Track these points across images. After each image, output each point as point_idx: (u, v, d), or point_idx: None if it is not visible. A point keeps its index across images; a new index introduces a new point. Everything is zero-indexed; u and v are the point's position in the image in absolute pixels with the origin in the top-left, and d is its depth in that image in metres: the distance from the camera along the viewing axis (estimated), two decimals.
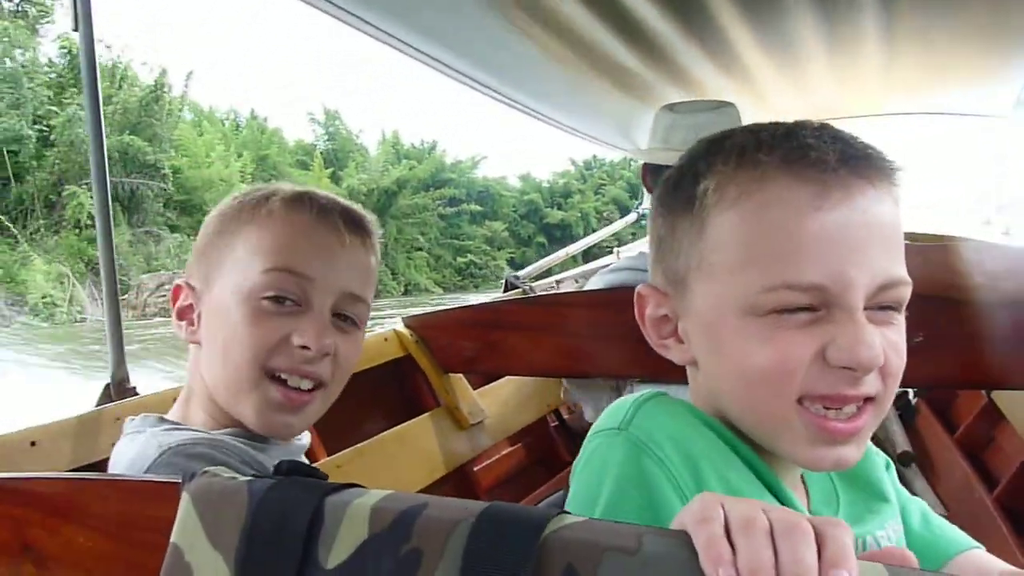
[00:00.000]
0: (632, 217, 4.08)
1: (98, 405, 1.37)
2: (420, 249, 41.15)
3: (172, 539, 0.60)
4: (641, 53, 2.36)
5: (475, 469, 2.14)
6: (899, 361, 0.64)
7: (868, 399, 0.64)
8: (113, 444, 1.23)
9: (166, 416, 0.97)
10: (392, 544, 0.51)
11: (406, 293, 37.68)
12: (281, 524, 0.55)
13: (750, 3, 2.03)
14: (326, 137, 42.71)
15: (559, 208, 57.23)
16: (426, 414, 2.02)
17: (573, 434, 2.59)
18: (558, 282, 3.10)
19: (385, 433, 1.84)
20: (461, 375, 2.16)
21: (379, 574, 0.51)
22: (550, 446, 2.51)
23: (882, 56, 2.50)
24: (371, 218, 1.02)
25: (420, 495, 0.54)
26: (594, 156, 63.95)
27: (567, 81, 2.57)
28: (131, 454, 0.89)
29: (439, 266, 42.62)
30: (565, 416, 2.60)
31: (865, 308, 0.62)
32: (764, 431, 0.67)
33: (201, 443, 0.86)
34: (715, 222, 0.66)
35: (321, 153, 41.59)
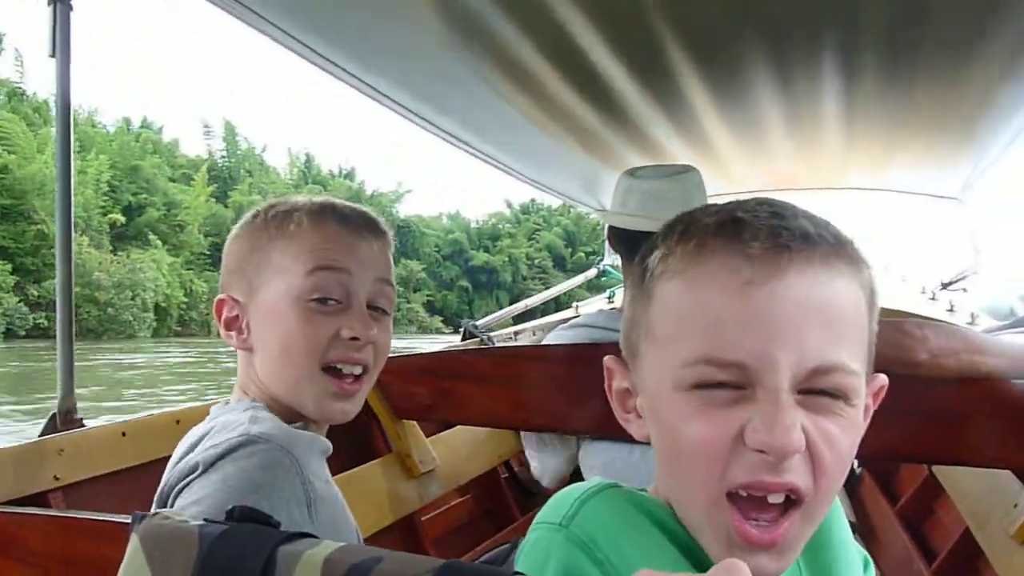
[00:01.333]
0: (592, 272, 4.12)
1: (42, 435, 1.34)
2: None
3: None
4: (605, 115, 2.43)
5: (423, 519, 2.12)
6: (832, 455, 0.60)
7: (793, 504, 0.60)
8: (55, 476, 1.21)
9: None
10: None
11: None
12: (231, 572, 0.55)
13: (715, 75, 2.11)
14: (225, 153, 40.33)
15: (486, 251, 55.55)
16: (377, 460, 2.00)
17: (523, 488, 2.58)
18: (516, 334, 3.11)
19: (336, 476, 1.81)
20: (415, 422, 2.15)
21: None
22: (499, 499, 2.50)
23: (841, 135, 2.61)
24: (383, 220, 1.15)
25: (374, 548, 0.54)
26: (532, 200, 63.23)
27: (535, 137, 2.62)
28: (224, 419, 1.00)
29: None
30: (515, 469, 2.59)
31: (799, 392, 0.60)
32: (692, 525, 0.64)
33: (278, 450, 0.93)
34: (658, 293, 0.65)
35: (209, 169, 38.97)
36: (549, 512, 0.68)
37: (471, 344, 2.76)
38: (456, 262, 54.32)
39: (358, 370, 1.05)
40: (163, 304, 37.89)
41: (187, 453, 0.96)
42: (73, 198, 1.52)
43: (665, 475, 0.67)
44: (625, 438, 1.99)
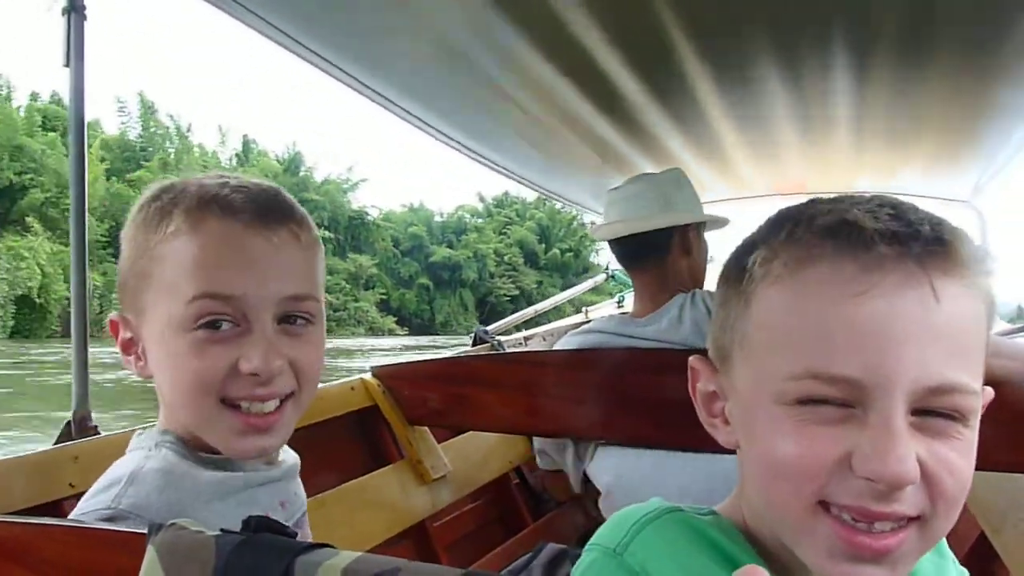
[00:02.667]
0: (601, 278, 4.13)
1: (57, 443, 1.34)
2: None
3: None
4: (618, 124, 2.43)
5: (435, 525, 2.12)
6: (952, 481, 0.56)
7: (910, 519, 0.56)
8: (71, 484, 1.21)
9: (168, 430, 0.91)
10: None
11: None
12: None
13: (726, 82, 2.11)
14: (143, 129, 34.25)
15: (449, 246, 50.83)
16: (389, 467, 2.00)
17: (534, 493, 2.58)
18: (526, 339, 3.11)
19: (346, 484, 1.82)
20: (426, 428, 2.15)
21: None
22: (511, 504, 2.49)
23: (851, 139, 2.61)
24: (294, 203, 0.93)
25: (391, 558, 0.54)
26: (506, 193, 59.18)
27: (546, 146, 2.63)
28: (120, 461, 0.88)
29: None
30: (527, 475, 2.59)
31: (913, 413, 0.55)
32: (785, 535, 0.60)
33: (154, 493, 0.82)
34: (758, 298, 0.60)
35: (123, 147, 33.07)
36: (606, 535, 0.65)
37: (482, 350, 2.76)
38: (416, 258, 50.03)
39: (270, 406, 0.86)
40: (39, 300, 32.40)
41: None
42: (87, 208, 1.53)
43: (755, 487, 0.63)
44: (635, 444, 2.00)
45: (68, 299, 1.53)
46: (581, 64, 1.94)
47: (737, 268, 0.64)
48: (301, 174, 42.21)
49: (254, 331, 0.84)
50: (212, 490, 0.86)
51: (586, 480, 2.05)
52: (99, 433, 1.41)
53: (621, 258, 2.12)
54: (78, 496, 1.24)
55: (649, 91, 2.17)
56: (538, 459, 2.12)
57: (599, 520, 2.14)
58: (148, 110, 34.20)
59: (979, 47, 1.82)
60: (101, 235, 32.95)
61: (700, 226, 2.05)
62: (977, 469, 0.58)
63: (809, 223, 0.59)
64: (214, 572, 0.56)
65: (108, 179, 31.44)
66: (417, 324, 50.86)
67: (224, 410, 0.85)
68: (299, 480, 1.03)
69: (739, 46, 1.88)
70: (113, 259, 28.90)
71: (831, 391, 0.55)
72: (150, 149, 33.59)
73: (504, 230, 56.49)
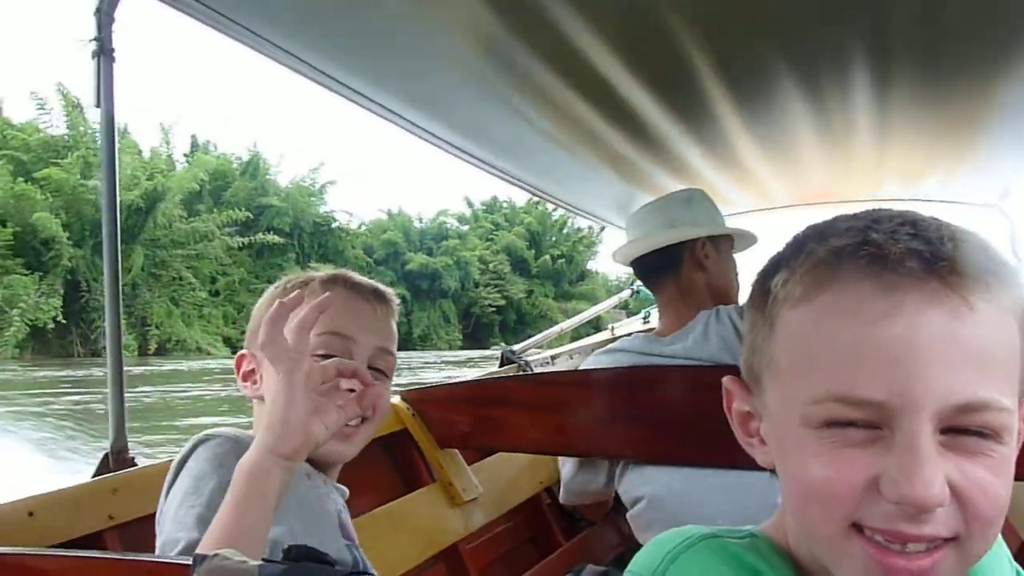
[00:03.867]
0: (626, 293, 4.12)
1: (96, 475, 1.37)
2: (193, 289, 31.23)
3: None
4: (638, 143, 2.44)
5: (468, 547, 2.12)
6: (986, 501, 0.55)
7: (946, 540, 0.55)
8: (110, 516, 1.24)
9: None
10: None
11: (156, 352, 27.75)
12: None
13: (744, 94, 2.10)
14: (69, 128, 29.74)
15: (428, 253, 46.92)
16: (420, 490, 2.01)
17: (566, 513, 2.57)
18: (553, 358, 3.12)
19: (379, 509, 1.83)
20: (456, 450, 2.16)
21: None
22: (543, 525, 2.49)
23: (874, 146, 2.59)
24: (391, 291, 1.28)
25: None
26: (494, 197, 55.19)
27: (568, 163, 2.64)
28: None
29: (241, 318, 31.03)
30: (558, 495, 2.58)
31: (943, 432, 0.55)
32: (823, 556, 0.59)
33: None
34: (782, 321, 0.60)
35: (49, 146, 28.53)
36: (642, 561, 0.65)
37: (509, 370, 2.76)
38: (392, 267, 46.40)
39: (355, 422, 1.13)
40: None
41: None
42: (119, 241, 1.56)
43: (791, 508, 0.63)
44: (665, 462, 1.99)
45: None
46: (600, 88, 1.96)
47: (762, 290, 0.64)
48: (267, 178, 38.00)
49: (355, 363, 1.13)
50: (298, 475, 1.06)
51: (617, 499, 2.04)
52: (136, 464, 1.43)
53: (640, 278, 2.19)
54: (118, 528, 1.27)
55: (668, 110, 2.18)
56: (563, 494, 2.12)
57: (632, 539, 2.14)
58: (74, 107, 29.77)
59: (1000, 50, 1.80)
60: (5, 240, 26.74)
61: (717, 241, 2.06)
62: (1017, 480, 0.58)
63: (829, 244, 0.59)
64: None
65: (14, 179, 27.08)
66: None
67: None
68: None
69: (756, 63, 1.88)
70: (27, 270, 25.86)
71: (856, 414, 0.55)
72: (75, 148, 29.12)
73: (491, 236, 52.55)
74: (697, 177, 2.80)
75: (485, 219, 54.10)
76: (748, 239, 2.18)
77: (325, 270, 1.25)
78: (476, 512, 2.15)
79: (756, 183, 3.02)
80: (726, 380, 0.70)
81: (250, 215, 34.54)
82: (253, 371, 1.19)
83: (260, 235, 34.37)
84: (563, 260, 54.16)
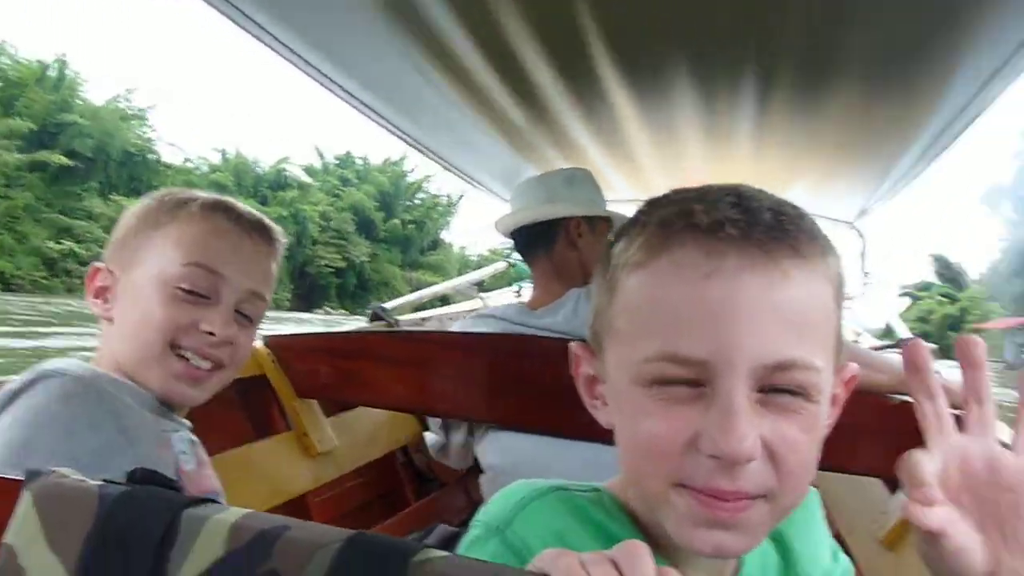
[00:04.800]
0: (502, 265, 4.15)
1: None
2: None
3: (6, 539, 0.57)
4: (533, 117, 2.45)
5: (316, 500, 2.09)
6: (794, 457, 0.59)
7: (759, 495, 0.59)
8: None
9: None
10: (250, 563, 0.51)
11: None
12: (131, 533, 0.54)
13: (639, 86, 2.16)
14: None
15: (263, 202, 42.09)
16: (274, 437, 1.97)
17: (419, 473, 2.58)
18: (424, 319, 3.11)
19: (229, 452, 1.77)
20: (315, 401, 2.12)
21: None
22: (395, 483, 2.49)
23: (751, 154, 2.73)
24: (278, 229, 1.18)
25: (283, 517, 0.54)
26: (348, 152, 52.49)
27: (462, 127, 2.62)
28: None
29: (18, 250, 27.83)
30: (413, 455, 2.59)
31: (759, 391, 0.58)
32: (653, 510, 0.63)
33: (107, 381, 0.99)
34: (620, 286, 0.64)
35: None
36: (490, 512, 0.67)
37: (379, 327, 2.73)
38: None
39: (207, 365, 1.08)
40: None
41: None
42: None
43: (625, 465, 0.67)
44: (525, 429, 2.04)
45: None
46: (503, 57, 1.95)
47: (605, 258, 0.68)
48: (78, 94, 32.90)
49: (220, 304, 1.08)
50: (125, 387, 1.03)
51: (474, 463, 2.07)
52: None
53: (518, 250, 2.23)
54: None
55: (567, 90, 2.20)
56: (429, 446, 2.13)
57: (481, 503, 2.17)
58: None
59: (871, 86, 1.95)
60: None
61: (594, 222, 2.11)
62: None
63: (661, 213, 0.63)
64: (95, 523, 0.55)
65: None
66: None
67: (171, 355, 1.06)
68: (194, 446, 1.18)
69: (657, 61, 1.94)
70: None
71: (682, 372, 0.59)
72: None
73: (338, 192, 49.14)
74: (585, 158, 2.86)
75: (335, 173, 50.51)
76: (620, 222, 2.25)
77: (207, 193, 1.14)
78: (329, 465, 2.12)
79: (640, 172, 3.11)
80: (574, 345, 0.72)
81: (41, 129, 29.63)
82: (106, 288, 1.10)
83: (47, 154, 29.52)
84: (414, 226, 51.51)
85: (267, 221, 1.17)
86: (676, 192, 0.66)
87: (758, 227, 0.59)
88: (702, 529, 0.59)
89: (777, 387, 0.59)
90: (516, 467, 1.82)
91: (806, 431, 0.60)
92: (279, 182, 46.53)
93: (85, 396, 0.94)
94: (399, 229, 50.06)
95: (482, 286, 3.83)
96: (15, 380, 0.96)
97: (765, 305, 0.58)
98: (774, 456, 0.59)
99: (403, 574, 0.48)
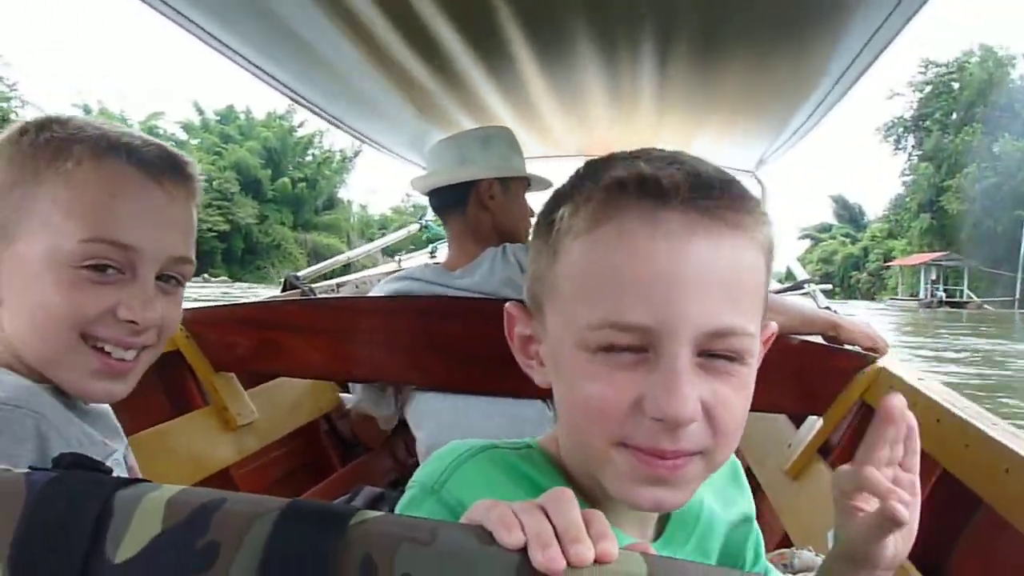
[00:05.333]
0: (415, 227, 4.13)
1: None
2: None
3: None
4: (438, 77, 2.43)
5: (240, 472, 2.08)
6: (729, 417, 0.63)
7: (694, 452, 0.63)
8: None
9: None
10: (188, 537, 0.52)
11: None
12: (64, 518, 0.54)
13: (543, 45, 2.17)
14: None
15: None
16: (192, 413, 1.94)
17: (342, 440, 2.59)
18: (339, 286, 3.08)
19: (146, 431, 1.74)
20: (232, 374, 2.09)
21: (174, 567, 0.51)
22: (319, 451, 2.49)
23: (654, 109, 2.79)
24: (192, 162, 0.94)
25: (217, 491, 0.55)
26: (231, 106, 48.62)
27: (367, 91, 2.58)
28: None
29: None
30: (336, 422, 2.59)
31: (698, 355, 0.61)
32: (591, 466, 0.66)
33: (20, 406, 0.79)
34: (564, 251, 0.65)
35: None
36: (425, 472, 0.68)
37: (293, 295, 2.70)
38: None
39: (131, 355, 0.89)
40: None
41: None
42: None
43: (564, 423, 0.69)
44: (448, 389, 2.06)
45: None
46: (405, 15, 1.92)
47: (546, 222, 0.68)
48: None
49: (137, 282, 0.87)
50: (56, 405, 0.84)
51: (399, 426, 2.09)
52: None
53: (434, 210, 2.24)
54: None
55: (470, 47, 2.19)
56: (351, 406, 2.14)
57: (407, 465, 2.19)
58: None
59: (765, 44, 2.03)
60: None
61: (507, 182, 2.13)
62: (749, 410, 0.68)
63: (606, 178, 0.64)
64: (24, 511, 0.54)
65: None
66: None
67: (84, 348, 0.85)
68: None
69: (558, 17, 1.95)
70: None
71: (626, 339, 0.60)
72: None
73: (218, 149, 44.57)
74: (492, 118, 2.86)
75: (216, 130, 46.67)
76: (543, 183, 2.28)
77: (92, 122, 0.89)
78: (250, 437, 2.11)
79: (547, 131, 3.14)
80: (509, 305, 0.73)
81: None
82: None
83: None
84: (305, 184, 48.13)
85: (178, 156, 0.92)
86: (619, 156, 0.67)
87: (702, 195, 0.61)
88: (643, 486, 0.62)
89: (715, 352, 0.62)
90: (444, 426, 1.86)
91: (739, 391, 0.64)
92: None
93: (17, 429, 0.77)
94: (288, 188, 46.82)
95: (388, 251, 3.80)
96: None
97: (708, 274, 0.60)
98: (711, 416, 0.62)
99: (342, 537, 0.50)
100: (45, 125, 0.86)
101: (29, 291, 0.84)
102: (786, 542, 1.78)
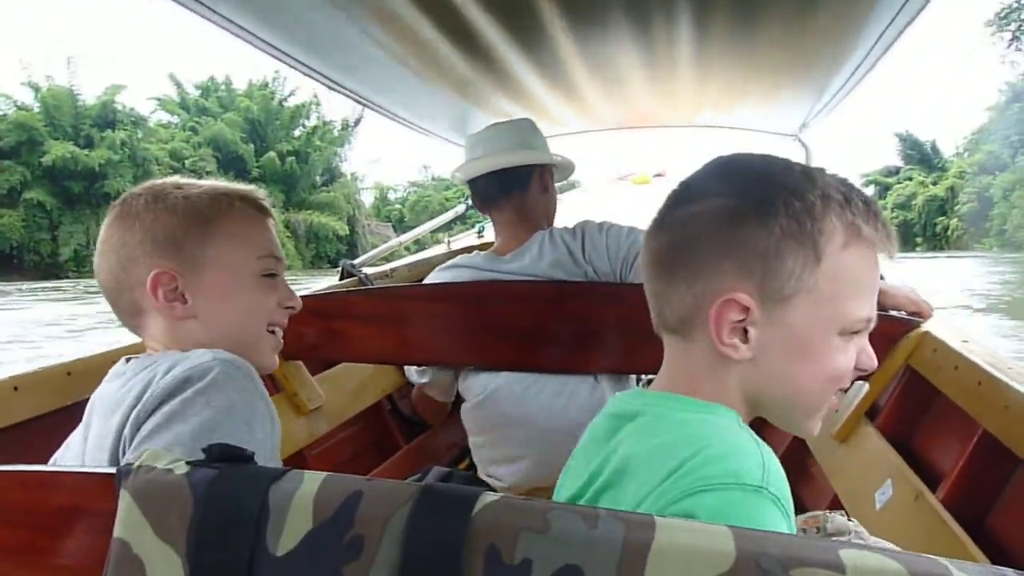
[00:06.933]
0: (461, 208, 4.19)
1: None
2: None
3: (116, 534, 0.65)
4: (477, 63, 2.48)
5: (312, 454, 2.20)
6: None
7: None
8: None
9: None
10: (337, 531, 0.61)
11: None
12: (229, 515, 0.63)
13: (578, 25, 2.21)
14: None
15: (88, 144, 34.80)
16: None
17: (405, 418, 2.71)
18: (392, 271, 3.18)
19: None
20: (300, 362, 2.21)
21: (328, 559, 0.61)
22: (385, 430, 2.61)
23: (693, 78, 2.81)
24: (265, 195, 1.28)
25: (354, 477, 0.64)
26: (211, 77, 44.15)
27: (407, 80, 2.64)
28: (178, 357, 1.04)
29: None
30: (398, 402, 2.71)
31: None
32: (803, 411, 0.87)
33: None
34: (831, 260, 0.81)
35: None
36: (739, 471, 0.72)
37: (350, 283, 2.81)
38: (23, 161, 34.01)
39: (282, 333, 1.25)
40: None
41: (140, 396, 0.98)
42: None
43: (791, 387, 0.85)
44: (501, 368, 2.15)
45: None
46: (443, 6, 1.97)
47: (793, 227, 0.80)
48: None
49: (279, 279, 1.23)
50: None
51: (456, 403, 2.20)
52: None
53: (484, 195, 2.21)
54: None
55: (507, 32, 2.23)
56: (417, 376, 2.22)
57: (465, 440, 2.30)
58: None
59: (802, 5, 2.03)
60: None
61: (550, 169, 2.22)
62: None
63: (862, 203, 0.84)
64: (195, 511, 0.64)
65: None
66: (33, 262, 35.82)
67: (266, 332, 1.21)
68: None
69: None
70: None
71: (864, 326, 0.85)
72: None
73: (193, 125, 40.82)
74: (530, 99, 2.91)
75: (196, 103, 42.26)
76: (568, 169, 2.36)
77: (214, 181, 1.24)
78: (320, 420, 2.23)
79: (587, 108, 3.17)
80: (740, 296, 0.80)
81: None
82: (175, 289, 1.13)
83: None
84: (294, 159, 42.80)
85: (263, 196, 1.27)
86: (843, 180, 0.86)
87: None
88: (820, 419, 0.88)
89: None
90: (494, 400, 1.97)
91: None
92: (108, 118, 37.28)
93: (253, 390, 1.02)
94: (276, 164, 41.14)
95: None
96: (196, 366, 0.99)
97: None
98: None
99: (468, 518, 0.58)
100: (179, 186, 1.19)
101: (233, 300, 1.17)
102: (837, 503, 1.85)
